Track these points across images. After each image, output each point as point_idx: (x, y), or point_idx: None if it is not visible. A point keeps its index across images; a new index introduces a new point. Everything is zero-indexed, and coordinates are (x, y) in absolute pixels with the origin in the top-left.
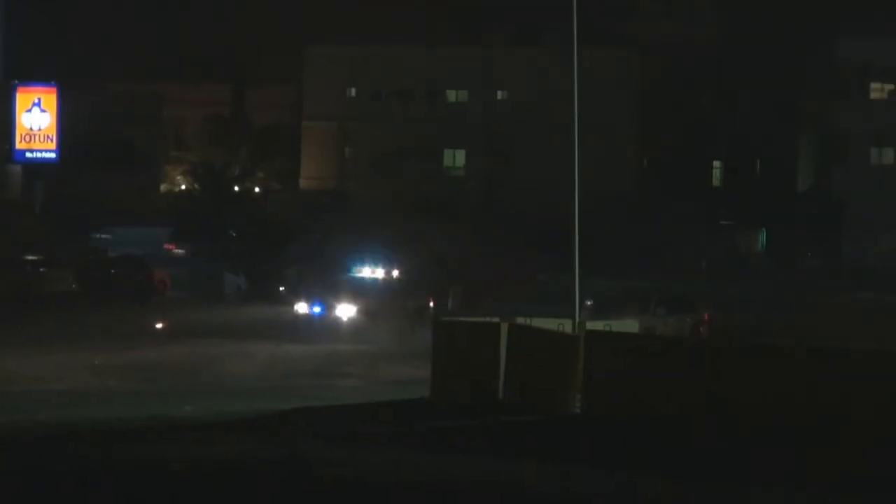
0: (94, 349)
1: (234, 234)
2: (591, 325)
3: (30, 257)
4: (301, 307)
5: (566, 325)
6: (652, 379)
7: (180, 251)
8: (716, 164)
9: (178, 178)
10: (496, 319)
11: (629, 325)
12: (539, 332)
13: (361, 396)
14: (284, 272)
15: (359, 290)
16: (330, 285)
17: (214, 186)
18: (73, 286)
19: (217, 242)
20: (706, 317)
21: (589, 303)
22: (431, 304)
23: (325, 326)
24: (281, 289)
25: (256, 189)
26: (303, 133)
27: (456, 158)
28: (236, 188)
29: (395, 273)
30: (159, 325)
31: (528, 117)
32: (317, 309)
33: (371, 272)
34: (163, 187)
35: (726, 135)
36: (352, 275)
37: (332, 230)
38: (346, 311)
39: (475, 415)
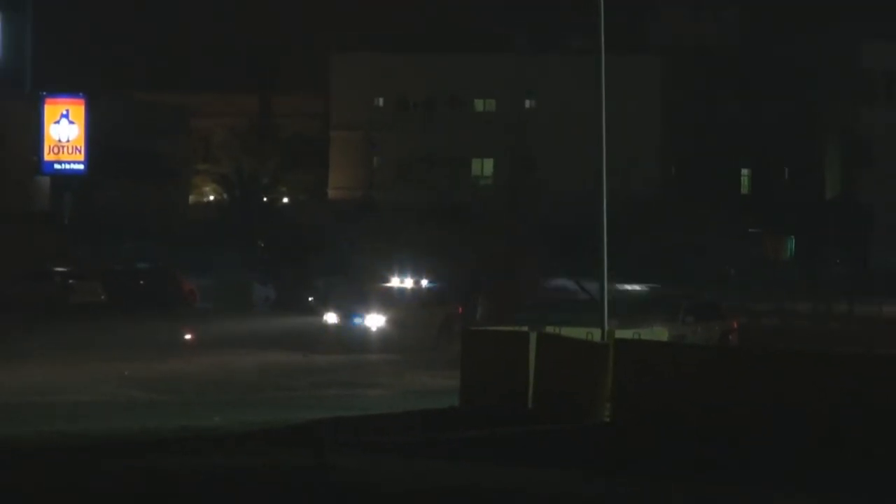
0: (122, 360)
1: (263, 245)
2: (619, 334)
3: (58, 269)
4: (330, 317)
5: (595, 334)
6: (682, 387)
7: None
8: (744, 171)
9: (207, 188)
10: (525, 328)
11: (658, 333)
12: (568, 341)
13: (390, 406)
14: (313, 282)
15: (387, 300)
16: (358, 295)
17: (243, 197)
18: (102, 297)
19: (246, 253)
20: (735, 324)
21: (616, 322)
22: (460, 312)
23: (354, 336)
24: (310, 299)
25: (284, 199)
26: (330, 142)
27: (484, 167)
28: (264, 198)
29: (424, 282)
30: (188, 336)
31: (555, 125)
32: (358, 320)
33: (399, 281)
34: (191, 198)
35: (754, 142)
36: (380, 284)
37: (359, 239)
38: (374, 320)
39: (504, 424)
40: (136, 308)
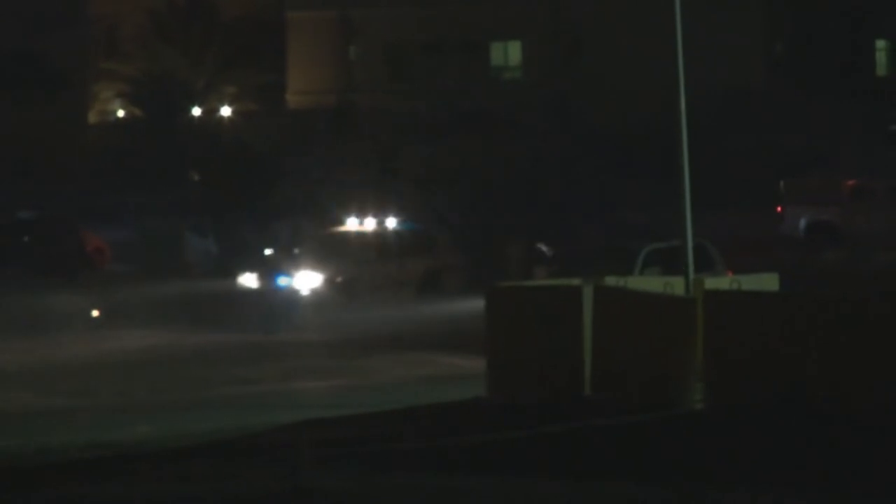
0: (3, 350)
1: (198, 178)
2: (711, 284)
3: None
4: (247, 280)
5: (676, 286)
6: (815, 357)
7: None
8: (879, 45)
9: (113, 100)
10: (576, 282)
11: (768, 280)
12: (638, 298)
13: (375, 402)
14: (271, 229)
15: (335, 251)
16: (290, 246)
17: (166, 110)
18: None
19: (174, 191)
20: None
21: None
22: (453, 263)
23: (278, 306)
24: (267, 252)
25: (225, 111)
26: (288, 28)
27: (508, 54)
28: (197, 111)
29: (391, 222)
30: (95, 314)
31: None
32: (283, 281)
33: (358, 224)
34: (92, 116)
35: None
36: (329, 229)
37: (337, 163)
38: (307, 280)
39: (552, 419)
40: (21, 276)
